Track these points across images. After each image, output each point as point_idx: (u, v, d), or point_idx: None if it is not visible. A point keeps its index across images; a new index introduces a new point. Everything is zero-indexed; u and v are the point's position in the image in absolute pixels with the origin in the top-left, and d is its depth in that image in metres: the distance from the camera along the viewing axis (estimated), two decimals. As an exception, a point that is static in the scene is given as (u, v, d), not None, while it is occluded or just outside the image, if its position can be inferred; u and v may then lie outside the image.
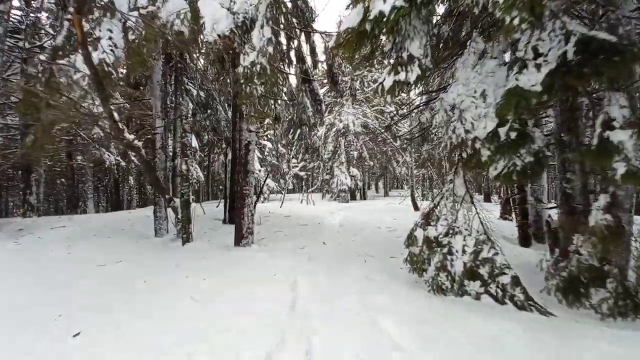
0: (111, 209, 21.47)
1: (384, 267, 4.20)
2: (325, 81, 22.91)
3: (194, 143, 18.08)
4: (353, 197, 19.83)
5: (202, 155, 20.01)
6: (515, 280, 3.08)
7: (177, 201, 5.11)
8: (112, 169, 16.19)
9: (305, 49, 9.00)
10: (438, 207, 3.64)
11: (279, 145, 22.64)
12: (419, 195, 19.27)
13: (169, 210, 5.48)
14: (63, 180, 21.75)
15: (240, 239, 5.15)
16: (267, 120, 19.14)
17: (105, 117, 4.41)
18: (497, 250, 3.26)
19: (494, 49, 3.31)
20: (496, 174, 2.99)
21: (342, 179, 17.37)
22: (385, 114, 17.20)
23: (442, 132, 3.36)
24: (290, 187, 24.85)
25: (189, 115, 14.17)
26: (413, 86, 3.11)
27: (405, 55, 2.99)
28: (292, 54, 9.22)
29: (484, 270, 3.22)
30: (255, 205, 8.04)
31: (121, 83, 5.69)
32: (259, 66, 4.03)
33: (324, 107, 9.59)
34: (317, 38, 9.30)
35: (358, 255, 4.81)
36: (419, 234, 3.65)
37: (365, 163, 19.83)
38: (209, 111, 14.20)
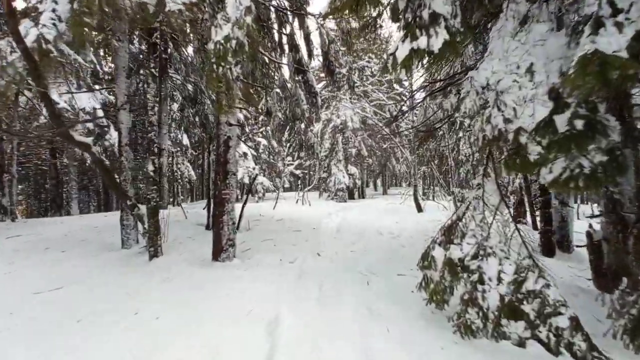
0: (103, 209, 20.56)
1: (390, 291, 3.38)
2: (322, 75, 22.03)
3: (185, 140, 17.16)
4: (351, 196, 19.02)
5: (194, 153, 19.11)
6: (575, 324, 2.27)
7: (143, 208, 4.28)
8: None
9: (299, 35, 8.15)
10: (463, 220, 2.83)
11: (274, 143, 21.83)
12: (420, 195, 18.51)
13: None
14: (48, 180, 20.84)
15: (218, 252, 4.32)
16: (261, 117, 18.08)
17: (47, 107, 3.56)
18: (548, 281, 2.45)
19: (541, 10, 2.48)
20: (552, 179, 2.17)
21: (339, 177, 16.55)
22: (385, 108, 16.37)
23: (470, 122, 2.53)
24: (287, 185, 24.03)
25: (171, 109, 13.26)
26: (437, 59, 2.28)
27: (426, 13, 2.15)
28: (285, 41, 8.37)
29: (529, 307, 2.42)
30: (243, 209, 7.23)
31: (67, 62, 4.79)
32: (234, 42, 3.18)
33: (319, 100, 8.76)
34: (311, 25, 8.44)
35: (359, 272, 3.99)
36: (438, 253, 2.84)
37: (364, 161, 19.01)
38: (197, 106, 13.37)
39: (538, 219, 5.93)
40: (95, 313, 2.68)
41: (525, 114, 2.37)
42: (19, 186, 22.35)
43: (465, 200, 3.03)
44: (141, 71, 11.49)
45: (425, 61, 2.30)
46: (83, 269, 3.86)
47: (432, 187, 19.64)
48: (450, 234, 2.84)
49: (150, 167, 4.20)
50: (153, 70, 4.22)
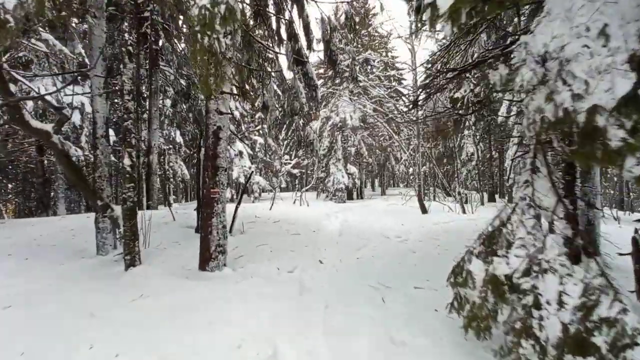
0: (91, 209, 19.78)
1: (411, 312, 2.81)
2: (321, 71, 21.51)
3: (178, 138, 16.48)
4: (350, 197, 18.47)
5: (188, 152, 18.44)
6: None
7: (118, 209, 3.68)
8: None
9: (298, 24, 7.59)
10: (508, 226, 2.26)
11: (271, 141, 21.25)
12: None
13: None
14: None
15: (206, 261, 3.73)
16: (257, 115, 17.51)
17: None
18: (626, 305, 1.89)
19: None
20: (643, 174, 1.62)
21: (338, 177, 15.99)
22: (385, 106, 15.84)
23: (524, 101, 1.97)
24: (284, 184, 23.43)
25: (164, 104, 12.63)
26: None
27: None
28: (283, 29, 7.79)
29: (601, 339, 1.86)
30: (237, 210, 6.63)
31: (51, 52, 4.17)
32: (223, 6, 2.60)
33: (319, 93, 8.20)
34: (312, 13, 7.87)
35: (369, 285, 3.41)
36: (477, 268, 2.27)
37: (364, 160, 18.46)
38: (190, 101, 12.74)
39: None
40: (35, 347, 2.08)
41: (600, 89, 1.81)
42: (9, 185, 21.56)
43: (511, 204, 2.46)
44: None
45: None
46: (44, 281, 3.26)
47: (433, 187, 19.14)
48: (491, 243, 2.28)
49: (127, 162, 3.58)
50: (130, 48, 3.59)
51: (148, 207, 9.94)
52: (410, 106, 5.26)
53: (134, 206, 3.63)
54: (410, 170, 23.16)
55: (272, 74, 8.69)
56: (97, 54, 4.57)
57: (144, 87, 11.47)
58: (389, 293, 3.23)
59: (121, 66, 3.65)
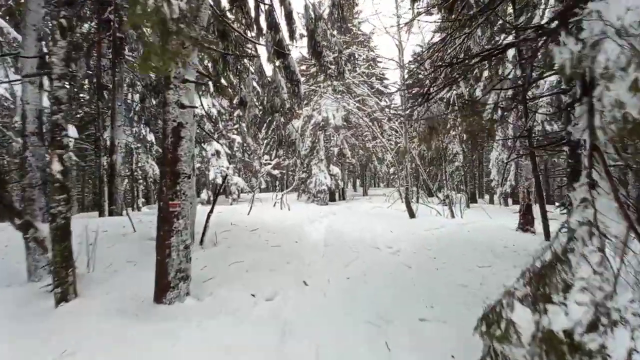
0: (89, 210, 18.19)
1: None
2: (303, 68, 20.79)
3: (150, 135, 15.32)
4: (332, 198, 17.91)
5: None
6: None
7: (44, 229, 2.88)
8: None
9: (280, 12, 6.91)
10: (565, 262, 1.69)
11: (250, 140, 20.34)
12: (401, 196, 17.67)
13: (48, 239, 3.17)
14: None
15: (163, 291, 2.99)
16: (236, 113, 16.64)
17: None
18: None
19: None
20: None
21: (320, 178, 15.39)
22: (370, 104, 15.36)
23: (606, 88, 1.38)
24: (264, 185, 22.57)
25: (133, 99, 11.57)
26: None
27: None
28: (262, 18, 7.10)
29: None
30: (209, 218, 5.86)
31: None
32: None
33: (302, 88, 7.53)
34: (294, 1, 7.21)
35: (366, 321, 2.79)
36: (522, 317, 1.69)
37: (347, 161, 17.94)
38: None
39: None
40: None
41: None
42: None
43: (560, 224, 1.90)
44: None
45: None
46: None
47: (417, 188, 18.87)
48: (542, 283, 1.69)
49: (56, 167, 2.76)
50: (63, 21, 2.80)
51: (111, 213, 8.94)
52: (420, 100, 4.68)
53: (65, 224, 2.83)
54: (392, 170, 22.89)
55: (251, 67, 7.95)
56: (31, 33, 3.71)
57: (107, 79, 10.39)
58: (391, 330, 2.62)
59: (50, 43, 2.85)
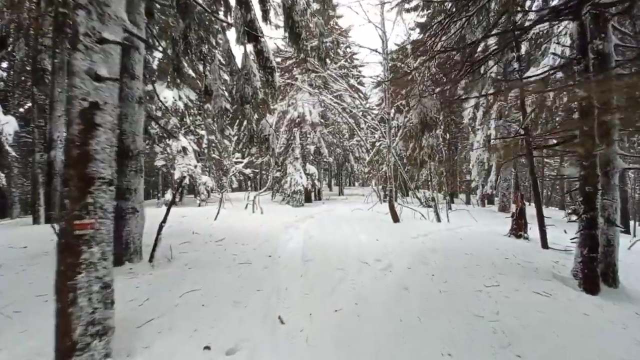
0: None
1: None
2: (279, 60, 19.69)
3: None
4: (308, 199, 17.02)
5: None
6: None
7: None
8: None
9: (251, -12, 5.96)
10: None
11: (215, 135, 19.02)
12: (379, 197, 17.12)
13: None
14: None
15: (67, 354, 1.97)
16: (207, 106, 15.36)
17: None
18: None
19: None
20: None
21: (296, 177, 14.45)
22: (348, 99, 14.60)
23: None
24: (235, 185, 21.27)
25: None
26: None
27: None
28: (231, -7, 6.11)
29: None
30: (160, 229, 4.78)
31: None
32: None
33: (277, 77, 6.58)
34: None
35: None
36: None
37: (324, 159, 17.11)
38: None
39: (576, 241, 4.40)
40: None
41: None
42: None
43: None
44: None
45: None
46: None
47: (395, 189, 18.38)
48: None
49: None
50: None
51: (48, 220, 7.56)
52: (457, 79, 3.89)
53: None
54: (367, 169, 22.36)
55: (218, 50, 6.90)
56: None
57: (47, 61, 8.89)
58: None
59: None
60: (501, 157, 7.74)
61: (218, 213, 8.50)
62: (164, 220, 4.60)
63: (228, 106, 7.25)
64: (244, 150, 25.54)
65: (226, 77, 11.25)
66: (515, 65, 6.12)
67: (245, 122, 6.71)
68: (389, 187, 8.68)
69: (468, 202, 19.37)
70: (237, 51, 17.72)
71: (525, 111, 6.03)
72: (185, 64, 13.89)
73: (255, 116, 8.23)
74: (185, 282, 3.66)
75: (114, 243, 4.30)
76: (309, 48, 6.09)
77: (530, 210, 6.95)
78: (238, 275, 3.91)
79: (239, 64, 6.03)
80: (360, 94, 20.18)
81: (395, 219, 8.52)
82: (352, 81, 20.22)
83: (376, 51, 8.81)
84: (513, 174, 10.38)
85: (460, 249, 5.63)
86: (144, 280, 3.73)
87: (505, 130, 12.45)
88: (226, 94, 7.51)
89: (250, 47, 6.42)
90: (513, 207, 6.79)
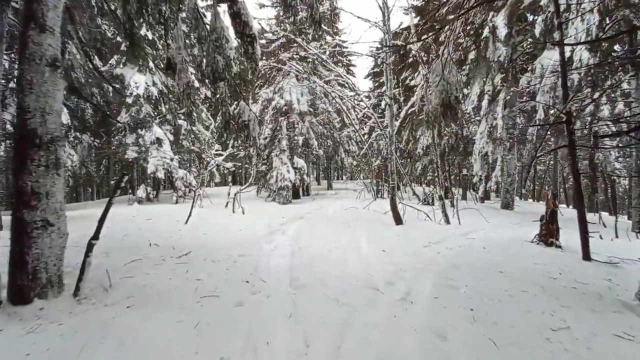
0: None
1: None
2: (263, 42, 18.15)
3: (65, 116, 11.98)
4: (296, 195, 15.75)
5: (80, 136, 13.79)
6: None
7: None
8: None
9: None
10: None
11: (201, 126, 17.53)
12: (366, 190, 16.01)
13: None
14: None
15: None
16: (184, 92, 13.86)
17: None
18: None
19: None
20: None
21: (283, 171, 13.14)
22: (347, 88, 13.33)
23: None
24: (218, 179, 19.77)
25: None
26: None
27: None
28: None
29: None
30: (90, 250, 3.40)
31: None
32: None
33: (258, 47, 5.25)
34: None
35: None
36: None
37: (313, 152, 15.82)
38: (66, 60, 8.75)
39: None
40: None
41: None
42: None
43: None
44: None
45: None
46: None
47: (388, 183, 17.31)
48: None
49: None
50: None
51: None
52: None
53: None
54: (355, 163, 21.16)
55: (182, 10, 5.49)
56: None
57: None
58: None
59: None
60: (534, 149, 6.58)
61: (190, 215, 7.14)
62: (95, 236, 3.25)
63: (197, 84, 5.86)
64: (227, 142, 23.93)
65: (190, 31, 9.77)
66: (555, 21, 4.94)
67: (220, 106, 5.35)
68: (391, 184, 7.50)
69: (464, 197, 18.48)
70: (210, 17, 16.16)
71: (566, 90, 4.90)
72: (145, 34, 12.10)
73: (227, 86, 6.86)
74: (111, 337, 2.37)
75: (14, 272, 2.95)
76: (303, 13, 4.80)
77: (536, 207, 5.90)
78: (195, 324, 2.63)
79: (208, 25, 4.68)
80: (350, 84, 18.91)
81: (398, 220, 7.37)
82: (341, 71, 18.92)
83: (375, 23, 7.54)
84: (516, 169, 9.41)
85: (490, 263, 4.50)
86: (51, 335, 2.42)
87: (510, 120, 11.46)
88: (192, 65, 6.09)
89: (224, 7, 5.08)
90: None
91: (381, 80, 26.47)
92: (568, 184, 23.84)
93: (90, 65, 8.31)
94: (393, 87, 7.55)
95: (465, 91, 11.93)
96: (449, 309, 3.10)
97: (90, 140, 8.93)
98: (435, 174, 8.27)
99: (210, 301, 3.07)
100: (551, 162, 22.29)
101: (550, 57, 8.57)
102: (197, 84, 17.46)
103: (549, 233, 5.59)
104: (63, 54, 6.53)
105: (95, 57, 8.81)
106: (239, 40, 5.16)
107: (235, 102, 7.09)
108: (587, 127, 7.49)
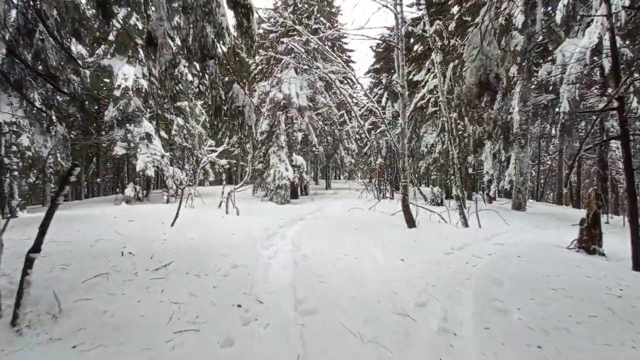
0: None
1: None
2: (260, 31, 17.30)
3: (39, 104, 11.08)
4: (294, 194, 14.95)
5: (55, 127, 12.84)
6: None
7: None
8: None
9: None
10: None
11: (194, 122, 16.67)
12: (366, 191, 15.26)
13: None
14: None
15: None
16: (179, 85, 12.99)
17: None
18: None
19: None
20: None
21: (281, 169, 12.33)
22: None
23: None
24: (212, 178, 18.91)
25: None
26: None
27: None
28: None
29: None
30: (28, 267, 2.55)
31: None
32: None
33: (254, 21, 4.45)
34: None
35: None
36: None
37: (313, 149, 15.02)
38: (39, 43, 7.88)
39: None
40: None
41: None
42: None
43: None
44: None
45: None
46: None
47: (390, 182, 16.56)
48: None
49: None
50: None
51: None
52: None
53: None
54: (354, 161, 20.37)
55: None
56: None
57: None
58: None
59: None
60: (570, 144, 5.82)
61: (177, 216, 6.30)
62: (35, 248, 2.42)
63: (180, 58, 5.01)
64: (222, 139, 23.01)
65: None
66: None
67: (209, 90, 4.52)
68: (403, 182, 6.72)
69: (470, 197, 17.78)
70: None
71: (618, 72, 4.15)
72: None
73: (217, 65, 6.06)
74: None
75: None
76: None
77: (541, 208, 5.15)
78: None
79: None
80: (352, 75, 18.10)
81: (411, 223, 6.59)
82: (342, 64, 18.10)
83: (386, 7, 6.75)
84: (529, 167, 8.67)
85: (535, 277, 3.73)
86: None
87: (523, 115, 10.73)
88: (174, 38, 5.24)
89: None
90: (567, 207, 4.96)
91: (381, 77, 25.74)
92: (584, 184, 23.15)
93: (66, 52, 7.44)
94: (405, 74, 6.77)
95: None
96: (509, 346, 2.32)
97: (65, 131, 8.04)
98: (451, 171, 7.50)
99: (188, 338, 2.26)
100: (553, 161, 21.69)
101: (574, 45, 7.84)
102: (190, 77, 16.64)
103: (590, 239, 4.84)
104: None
105: (75, 41, 7.94)
106: (232, 12, 4.36)
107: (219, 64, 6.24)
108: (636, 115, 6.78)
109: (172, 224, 6.16)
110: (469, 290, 3.35)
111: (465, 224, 6.71)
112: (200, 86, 15.74)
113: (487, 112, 4.64)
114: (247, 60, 21.05)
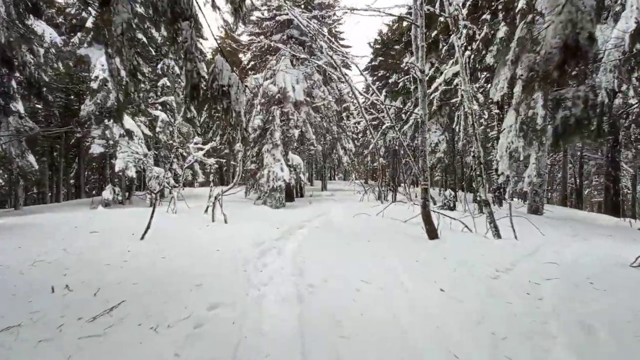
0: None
1: None
2: (256, 30, 16.14)
3: (18, 105, 9.66)
4: (290, 197, 13.80)
5: (33, 129, 11.49)
6: None
7: None
8: None
9: None
10: None
11: (180, 118, 15.48)
12: (381, 196, 14.18)
13: None
14: None
15: None
16: (161, 80, 12.15)
17: None
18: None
19: None
20: None
21: (276, 170, 11.18)
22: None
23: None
24: (201, 179, 17.63)
25: None
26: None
27: None
28: None
29: None
30: None
31: None
32: None
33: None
34: None
35: None
36: None
37: (311, 148, 13.89)
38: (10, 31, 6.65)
39: None
40: None
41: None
42: None
43: None
44: None
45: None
46: None
47: (393, 183, 15.51)
48: None
49: None
50: None
51: None
52: None
53: None
54: (346, 160, 19.28)
55: None
56: None
57: None
58: None
59: None
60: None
61: (148, 227, 5.11)
62: None
63: (141, 20, 3.86)
64: (212, 138, 21.67)
65: None
66: None
67: (183, 62, 3.37)
68: (423, 185, 5.63)
69: (475, 199, 16.80)
70: None
71: None
72: None
73: (192, 28, 4.89)
74: None
75: None
76: None
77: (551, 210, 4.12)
78: None
79: None
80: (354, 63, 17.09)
81: (433, 234, 5.50)
82: (340, 59, 17.03)
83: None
84: (547, 168, 7.71)
85: (630, 316, 2.66)
86: None
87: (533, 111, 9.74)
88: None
89: None
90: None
91: (379, 75, 24.66)
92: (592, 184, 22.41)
93: (19, 28, 6.25)
94: (423, 56, 5.70)
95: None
96: None
97: (19, 124, 6.77)
98: (477, 172, 6.44)
99: None
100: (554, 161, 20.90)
101: (603, 32, 6.85)
102: (177, 69, 15.37)
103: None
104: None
105: (34, 17, 6.70)
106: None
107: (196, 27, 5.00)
108: None
109: (142, 237, 4.97)
110: (557, 345, 2.27)
111: (498, 235, 5.64)
112: (172, 61, 14.51)
113: (574, 89, 3.57)
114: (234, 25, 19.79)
